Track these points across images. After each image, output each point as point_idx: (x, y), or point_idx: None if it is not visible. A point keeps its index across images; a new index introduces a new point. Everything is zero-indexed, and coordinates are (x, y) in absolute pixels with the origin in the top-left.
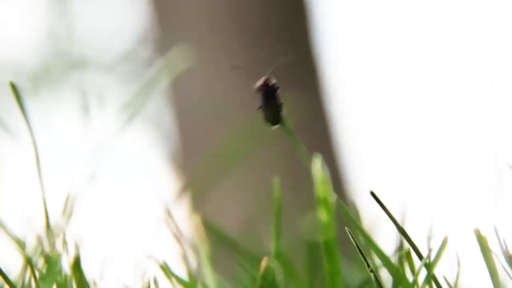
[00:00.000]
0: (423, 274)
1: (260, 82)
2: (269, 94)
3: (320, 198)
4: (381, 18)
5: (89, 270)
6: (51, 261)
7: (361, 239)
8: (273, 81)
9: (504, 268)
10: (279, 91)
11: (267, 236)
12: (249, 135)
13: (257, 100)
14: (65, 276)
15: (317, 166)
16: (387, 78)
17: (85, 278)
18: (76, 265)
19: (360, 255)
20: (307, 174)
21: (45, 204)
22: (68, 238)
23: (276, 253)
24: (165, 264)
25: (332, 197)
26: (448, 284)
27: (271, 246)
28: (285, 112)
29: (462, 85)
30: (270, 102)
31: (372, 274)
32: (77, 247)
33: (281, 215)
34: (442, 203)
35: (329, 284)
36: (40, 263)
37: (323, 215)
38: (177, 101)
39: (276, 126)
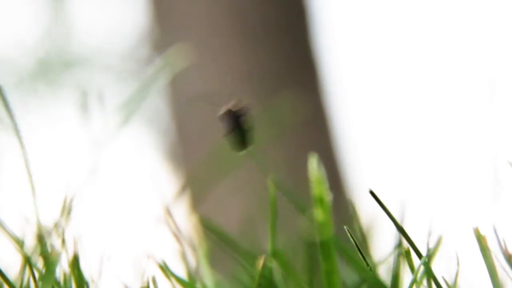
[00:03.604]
0: (422, 273)
1: (223, 110)
2: (234, 120)
3: (316, 197)
4: (381, 18)
5: (88, 269)
6: (50, 260)
7: (364, 234)
8: (239, 106)
9: (503, 267)
10: (245, 116)
11: (266, 235)
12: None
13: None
14: (64, 275)
15: (313, 166)
16: (387, 77)
17: (84, 277)
18: (75, 264)
19: (359, 254)
20: (305, 173)
21: (43, 203)
22: (67, 237)
23: (273, 252)
24: (164, 263)
25: (329, 197)
26: (447, 283)
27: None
28: (252, 137)
29: (461, 84)
30: (236, 128)
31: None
32: (76, 246)
33: (277, 213)
34: (441, 202)
35: (325, 283)
36: (39, 262)
37: (319, 214)
38: (176, 100)
39: (243, 152)
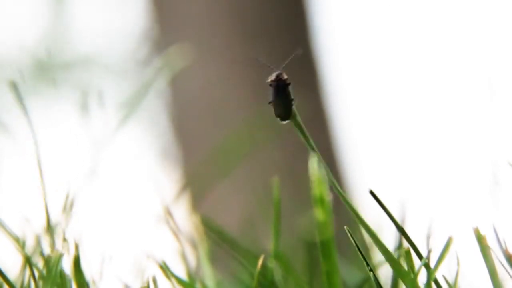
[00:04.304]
0: (422, 273)
1: (272, 77)
2: (280, 89)
3: (317, 197)
4: (381, 17)
5: (88, 269)
6: (51, 261)
7: (364, 234)
8: (285, 76)
9: (504, 267)
10: (290, 87)
11: (266, 235)
12: (248, 134)
13: (269, 95)
14: (65, 275)
15: (314, 165)
16: (387, 77)
17: (84, 277)
18: (76, 264)
19: (360, 255)
20: (307, 172)
21: (44, 203)
22: (67, 237)
23: (275, 252)
24: (164, 263)
25: (329, 196)
26: (448, 283)
27: (270, 245)
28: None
29: (461, 84)
30: (281, 97)
31: (371, 274)
32: (76, 246)
33: (280, 214)
34: (441, 202)
35: (326, 283)
36: (40, 262)
37: (319, 214)
38: (176, 99)
39: (286, 121)
